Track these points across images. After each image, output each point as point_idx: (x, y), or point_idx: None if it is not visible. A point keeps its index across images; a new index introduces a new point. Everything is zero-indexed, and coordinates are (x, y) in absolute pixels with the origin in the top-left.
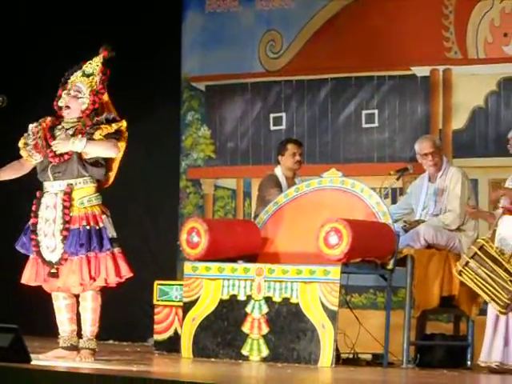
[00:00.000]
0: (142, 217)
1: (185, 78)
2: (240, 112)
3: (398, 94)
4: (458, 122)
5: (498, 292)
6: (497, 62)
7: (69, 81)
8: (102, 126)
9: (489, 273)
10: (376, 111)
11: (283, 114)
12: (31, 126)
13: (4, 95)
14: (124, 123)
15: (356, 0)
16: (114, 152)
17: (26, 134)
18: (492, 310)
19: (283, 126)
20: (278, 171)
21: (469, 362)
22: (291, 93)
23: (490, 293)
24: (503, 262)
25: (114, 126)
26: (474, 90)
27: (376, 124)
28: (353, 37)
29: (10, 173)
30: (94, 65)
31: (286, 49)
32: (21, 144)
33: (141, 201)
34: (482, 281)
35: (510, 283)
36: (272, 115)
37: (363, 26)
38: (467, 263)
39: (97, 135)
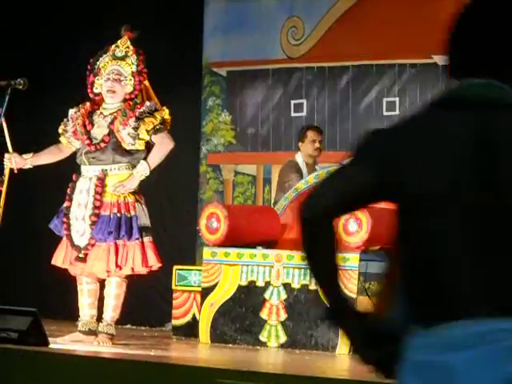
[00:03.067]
0: (162, 201)
1: (206, 64)
2: (261, 98)
3: (419, 83)
4: None
5: None
6: None
7: (96, 66)
8: (146, 119)
9: None
10: (397, 99)
11: (304, 101)
12: (71, 112)
13: (25, 78)
14: (166, 110)
15: None
16: (171, 147)
17: (65, 120)
18: None
19: (304, 113)
20: (299, 158)
21: None
22: (312, 79)
23: None
24: None
25: (158, 116)
26: None
27: (397, 112)
28: (374, 24)
29: (48, 157)
30: (124, 47)
31: (307, 35)
32: (61, 130)
33: (160, 186)
34: None
35: None
36: (293, 102)
37: (385, 14)
38: None
39: (143, 132)
